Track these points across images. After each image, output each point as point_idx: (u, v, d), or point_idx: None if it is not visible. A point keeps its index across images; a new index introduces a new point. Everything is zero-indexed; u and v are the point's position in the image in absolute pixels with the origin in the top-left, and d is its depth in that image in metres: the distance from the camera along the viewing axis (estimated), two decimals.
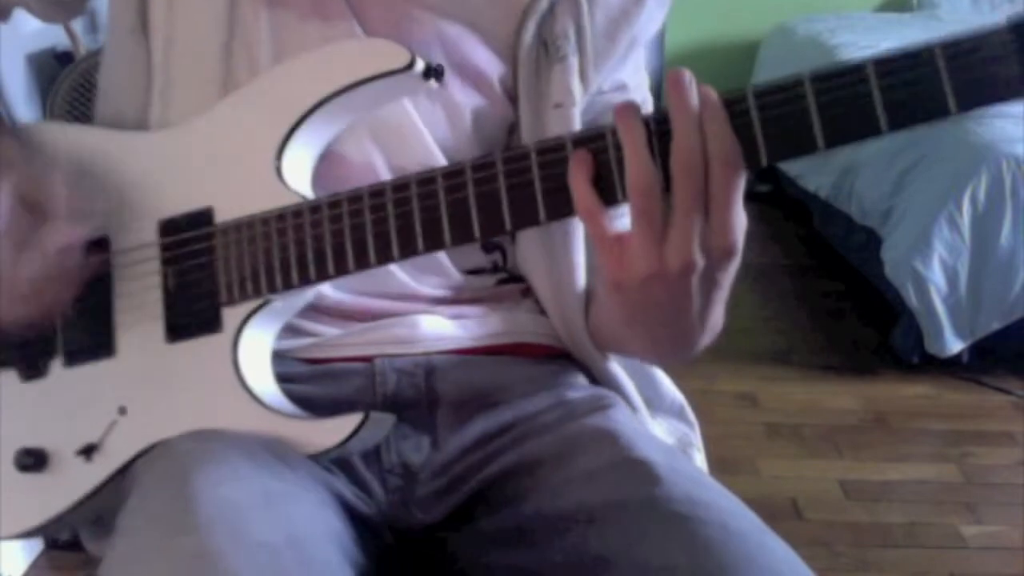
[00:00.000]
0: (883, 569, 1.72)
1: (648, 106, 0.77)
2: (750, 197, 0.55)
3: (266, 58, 0.68)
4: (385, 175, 0.70)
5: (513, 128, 0.73)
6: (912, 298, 2.21)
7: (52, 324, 0.68)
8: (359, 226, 0.61)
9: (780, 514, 1.84)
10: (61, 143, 0.71)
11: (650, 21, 0.74)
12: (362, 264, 0.61)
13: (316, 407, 0.69)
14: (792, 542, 0.59)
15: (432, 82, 0.64)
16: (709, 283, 0.57)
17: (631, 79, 0.77)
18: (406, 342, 0.73)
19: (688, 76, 0.54)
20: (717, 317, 0.61)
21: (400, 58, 0.63)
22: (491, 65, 0.72)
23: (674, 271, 0.54)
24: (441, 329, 0.74)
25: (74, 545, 0.67)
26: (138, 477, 0.63)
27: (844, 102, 0.52)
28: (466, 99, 0.72)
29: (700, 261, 0.54)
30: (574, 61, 0.71)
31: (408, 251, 0.60)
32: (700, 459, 0.82)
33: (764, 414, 2.19)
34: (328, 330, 0.74)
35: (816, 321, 2.61)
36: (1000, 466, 2.02)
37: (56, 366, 0.69)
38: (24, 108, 1.71)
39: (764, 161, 0.53)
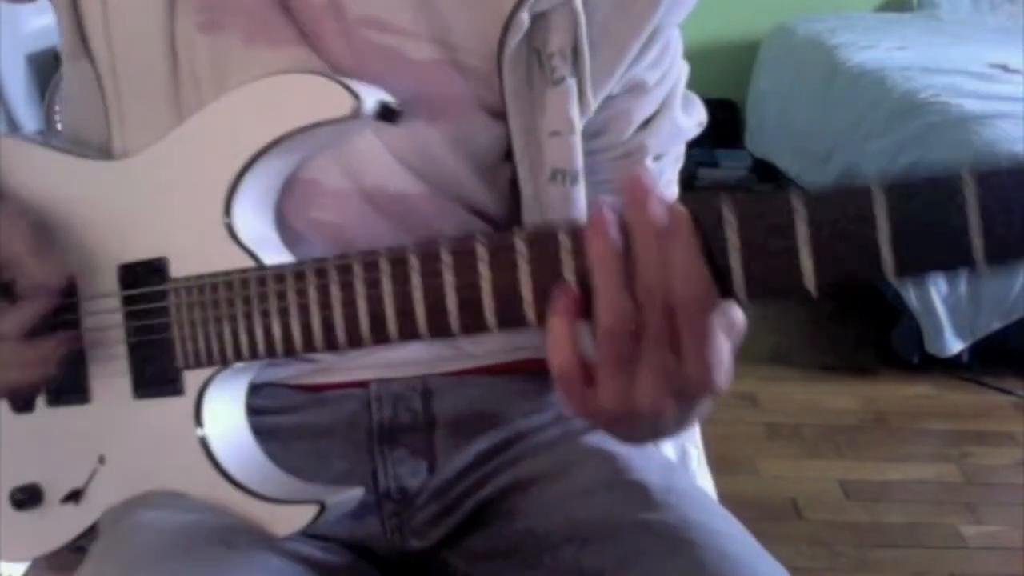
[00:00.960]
0: (883, 569, 1.71)
1: (678, 90, 0.73)
2: None
3: (209, 87, 0.63)
4: (357, 198, 0.66)
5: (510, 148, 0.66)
6: (912, 298, 2.21)
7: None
8: (304, 307, 0.57)
9: (780, 514, 1.83)
10: (23, 170, 0.67)
11: (677, 5, 0.67)
12: (310, 347, 0.57)
13: (309, 438, 0.68)
14: (792, 542, 0.59)
15: (385, 123, 0.60)
16: (686, 412, 0.50)
17: (650, 74, 0.69)
18: (401, 365, 0.70)
19: (649, 187, 0.46)
20: (703, 410, 0.54)
21: (343, 105, 0.57)
22: (467, 90, 0.64)
23: (644, 412, 0.48)
24: (438, 351, 0.71)
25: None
26: (99, 534, 0.65)
27: (846, 238, 0.43)
28: (437, 129, 0.64)
29: (672, 404, 0.48)
30: (572, 84, 0.63)
31: (355, 341, 0.55)
32: (697, 456, 0.82)
33: (764, 414, 2.18)
34: (321, 355, 0.70)
35: (816, 321, 2.60)
36: (1000, 466, 2.02)
37: (41, 403, 0.68)
38: (24, 108, 1.71)
39: (743, 296, 0.45)
